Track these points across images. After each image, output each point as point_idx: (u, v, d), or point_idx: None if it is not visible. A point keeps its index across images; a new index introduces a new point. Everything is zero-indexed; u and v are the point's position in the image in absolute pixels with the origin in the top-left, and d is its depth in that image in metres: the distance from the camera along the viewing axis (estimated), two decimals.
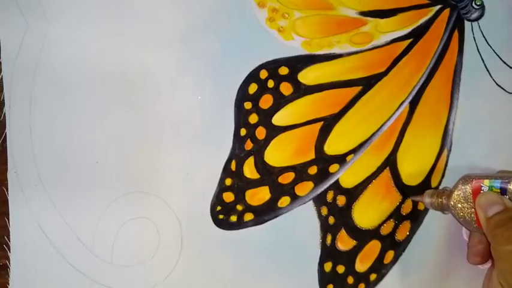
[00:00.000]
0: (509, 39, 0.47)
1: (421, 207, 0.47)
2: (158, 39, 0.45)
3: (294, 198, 0.46)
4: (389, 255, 0.46)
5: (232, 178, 0.46)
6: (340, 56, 0.47)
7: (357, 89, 0.47)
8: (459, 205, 0.41)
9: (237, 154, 0.46)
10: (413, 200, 0.46)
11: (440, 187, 0.47)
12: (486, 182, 0.40)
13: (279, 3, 0.46)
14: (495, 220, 0.38)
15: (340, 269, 0.46)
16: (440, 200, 0.42)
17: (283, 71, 0.46)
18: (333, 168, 0.46)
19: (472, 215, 0.40)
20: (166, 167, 0.45)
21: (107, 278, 0.44)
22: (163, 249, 0.45)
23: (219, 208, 0.45)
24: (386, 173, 0.47)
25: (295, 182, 0.46)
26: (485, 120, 0.47)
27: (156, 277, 0.45)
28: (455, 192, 0.41)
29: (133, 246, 0.45)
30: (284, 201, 0.46)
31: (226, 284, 0.45)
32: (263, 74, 0.46)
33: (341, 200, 0.46)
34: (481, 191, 0.40)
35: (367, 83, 0.47)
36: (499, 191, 0.39)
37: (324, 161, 0.46)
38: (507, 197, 0.39)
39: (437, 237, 0.46)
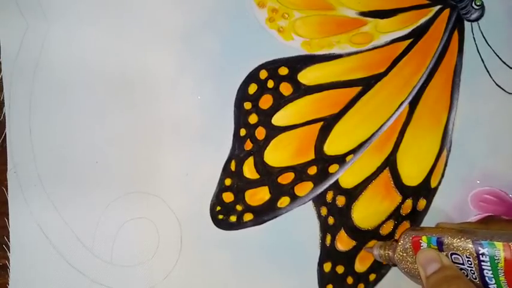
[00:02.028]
0: (509, 39, 0.47)
1: (420, 207, 0.47)
2: (158, 39, 0.45)
3: (294, 198, 0.46)
4: None
5: (232, 178, 0.46)
6: (340, 56, 0.47)
7: (356, 89, 0.47)
8: (403, 259, 0.41)
9: (237, 154, 0.46)
10: (366, 251, 0.46)
11: (440, 187, 0.47)
12: (424, 238, 0.40)
13: (279, 3, 0.46)
14: (433, 279, 0.38)
15: (340, 269, 0.46)
16: (387, 252, 0.42)
17: (283, 71, 0.46)
18: (333, 168, 0.46)
19: (417, 270, 0.40)
20: (166, 167, 0.45)
21: (107, 278, 0.44)
22: (163, 249, 0.45)
23: (218, 208, 0.45)
24: (386, 173, 0.47)
25: (294, 182, 0.46)
26: (485, 120, 0.47)
27: (155, 277, 0.45)
28: (398, 248, 0.41)
29: (133, 246, 0.45)
30: (284, 201, 0.46)
31: (226, 284, 0.45)
32: (263, 74, 0.46)
33: (341, 200, 0.46)
34: (421, 247, 0.40)
35: (367, 83, 0.47)
36: (436, 247, 0.39)
37: (323, 161, 0.46)
38: (444, 253, 0.39)
39: None
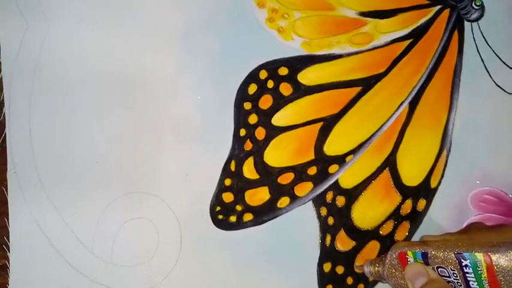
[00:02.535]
0: (509, 39, 0.47)
1: (420, 207, 0.47)
2: (158, 39, 0.45)
3: (294, 198, 0.46)
4: None
5: (232, 178, 0.46)
6: (340, 56, 0.47)
7: (356, 90, 0.47)
8: (392, 276, 0.41)
9: (237, 154, 0.46)
10: (357, 271, 0.46)
11: (440, 187, 0.47)
12: (409, 253, 0.40)
13: (279, 3, 0.46)
14: None
15: (340, 269, 0.46)
16: (377, 269, 0.42)
17: (283, 71, 0.46)
18: (333, 168, 0.46)
19: (406, 285, 0.40)
20: (165, 167, 0.45)
21: (107, 278, 0.44)
22: (163, 249, 0.45)
23: (218, 208, 0.45)
24: (386, 173, 0.47)
25: (294, 182, 0.46)
26: (485, 121, 0.47)
27: (155, 277, 0.45)
28: (387, 264, 0.41)
29: (132, 246, 0.45)
30: (283, 201, 0.46)
31: (226, 284, 0.45)
32: (263, 74, 0.46)
33: (340, 201, 0.46)
34: (408, 262, 0.40)
35: (367, 84, 0.47)
36: (422, 261, 0.40)
37: (323, 162, 0.46)
38: (431, 266, 0.39)
39: None
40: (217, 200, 0.46)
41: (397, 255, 0.41)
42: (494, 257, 0.36)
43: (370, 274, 0.43)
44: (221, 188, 0.46)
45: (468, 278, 0.37)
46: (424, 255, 0.39)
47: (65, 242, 0.44)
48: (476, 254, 0.37)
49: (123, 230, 0.44)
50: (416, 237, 0.47)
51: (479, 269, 0.37)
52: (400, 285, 0.41)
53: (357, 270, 0.46)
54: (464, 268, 0.37)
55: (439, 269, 0.39)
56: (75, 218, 0.44)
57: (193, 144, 0.46)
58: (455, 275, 0.38)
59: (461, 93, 0.47)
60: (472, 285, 0.37)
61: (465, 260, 0.37)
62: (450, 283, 0.38)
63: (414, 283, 0.39)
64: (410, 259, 0.40)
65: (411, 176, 0.47)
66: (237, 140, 0.46)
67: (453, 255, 0.38)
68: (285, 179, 0.46)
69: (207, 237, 0.45)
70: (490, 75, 0.47)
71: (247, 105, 0.46)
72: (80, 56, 0.45)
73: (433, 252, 0.39)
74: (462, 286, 0.38)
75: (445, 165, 0.47)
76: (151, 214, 0.45)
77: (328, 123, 0.46)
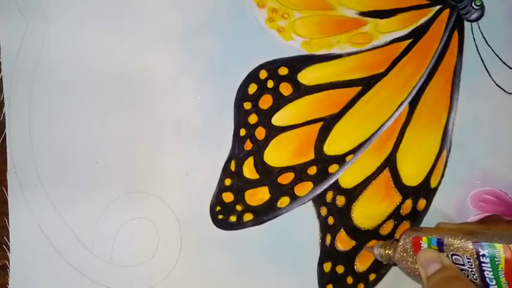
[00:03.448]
0: (509, 39, 0.47)
1: (420, 207, 0.47)
2: (158, 39, 0.45)
3: (294, 198, 0.46)
4: None
5: (232, 178, 0.46)
6: (339, 56, 0.47)
7: (356, 89, 0.47)
8: (404, 259, 0.41)
9: (237, 154, 0.46)
10: (366, 251, 0.46)
11: (440, 187, 0.47)
12: (424, 239, 0.40)
13: (279, 3, 0.46)
14: (433, 279, 0.38)
15: (340, 269, 0.46)
16: (387, 252, 0.42)
17: (283, 71, 0.46)
18: (333, 168, 0.46)
19: (417, 270, 0.40)
20: (165, 167, 0.45)
21: (107, 278, 0.44)
22: (163, 249, 0.45)
23: (218, 208, 0.45)
24: (386, 173, 0.47)
25: (294, 182, 0.46)
26: (485, 121, 0.47)
27: (155, 277, 0.45)
28: (399, 247, 0.41)
29: (132, 246, 0.45)
30: (283, 201, 0.46)
31: (226, 284, 0.45)
32: (263, 74, 0.46)
33: (340, 200, 0.46)
34: (421, 247, 0.40)
35: (367, 83, 0.47)
36: (437, 248, 0.39)
37: (323, 161, 0.46)
38: (445, 253, 0.39)
39: None
40: (217, 199, 0.46)
41: (411, 239, 0.41)
42: None
43: (379, 256, 0.43)
44: (221, 188, 0.46)
45: (484, 268, 0.37)
46: (439, 242, 0.39)
47: (65, 242, 0.44)
48: (496, 244, 0.37)
49: (123, 230, 0.44)
50: None
51: (497, 260, 0.37)
52: (410, 269, 0.41)
53: (366, 250, 0.46)
54: (481, 257, 0.37)
55: (453, 257, 0.39)
56: (75, 218, 0.44)
57: (193, 144, 0.46)
58: (470, 263, 0.38)
59: (461, 93, 0.47)
60: (486, 275, 0.37)
61: (483, 249, 0.37)
62: (463, 271, 0.38)
63: (427, 269, 0.39)
64: (424, 245, 0.40)
65: (411, 176, 0.47)
66: (237, 140, 0.46)
67: (471, 244, 0.38)
68: (285, 178, 0.46)
69: (207, 237, 0.45)
70: (490, 75, 0.47)
71: (247, 105, 0.46)
72: (80, 56, 0.45)
73: (450, 239, 0.39)
74: (476, 275, 0.38)
75: (445, 165, 0.47)
76: (152, 214, 0.45)
77: (328, 123, 0.46)
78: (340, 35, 0.47)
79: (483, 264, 0.37)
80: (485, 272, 0.37)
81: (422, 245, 0.40)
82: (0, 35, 0.44)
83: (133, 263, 0.45)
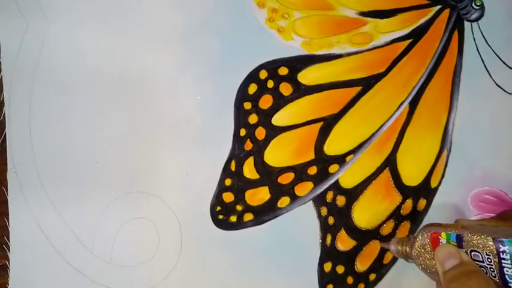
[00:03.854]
0: (509, 39, 0.47)
1: (420, 207, 0.47)
2: (158, 39, 0.45)
3: (294, 198, 0.46)
4: (389, 255, 0.46)
5: (232, 178, 0.46)
6: (339, 56, 0.47)
7: (356, 89, 0.47)
8: (421, 255, 0.41)
9: (237, 154, 0.46)
10: (382, 247, 0.46)
11: (440, 187, 0.47)
12: (443, 234, 0.40)
13: (279, 3, 0.46)
14: (450, 274, 0.38)
15: (340, 269, 0.46)
16: (404, 248, 0.42)
17: (283, 71, 0.46)
18: (333, 168, 0.46)
19: (434, 266, 0.40)
20: (166, 167, 0.45)
21: (107, 278, 0.44)
22: (163, 250, 0.45)
23: (218, 208, 0.45)
24: (386, 173, 0.47)
25: (294, 182, 0.46)
26: (485, 121, 0.47)
27: (155, 277, 0.45)
28: (416, 243, 0.41)
29: (132, 246, 0.45)
30: (284, 201, 0.46)
31: (226, 284, 0.45)
32: (263, 74, 0.46)
33: (341, 200, 0.46)
34: (440, 243, 0.40)
35: (367, 83, 0.47)
36: (455, 244, 0.39)
37: (323, 161, 0.46)
38: (464, 250, 0.39)
39: None
40: (217, 200, 0.46)
41: (430, 235, 0.40)
42: None
43: (396, 252, 0.43)
44: (221, 188, 0.46)
45: (503, 265, 0.37)
46: (459, 238, 0.39)
47: (65, 242, 0.44)
48: None
49: (123, 230, 0.44)
50: None
51: None
52: (427, 266, 0.40)
53: (382, 245, 0.45)
54: (501, 254, 0.37)
55: (472, 253, 0.38)
56: (75, 218, 0.44)
57: (194, 144, 0.46)
58: (489, 260, 0.37)
59: (462, 93, 0.47)
60: (506, 272, 0.37)
61: (504, 246, 0.37)
62: (482, 268, 0.38)
63: (444, 264, 0.38)
64: (443, 240, 0.40)
65: (411, 176, 0.47)
66: (237, 140, 0.46)
67: (491, 240, 0.37)
68: (285, 178, 0.46)
69: (207, 237, 0.45)
70: (490, 75, 0.47)
71: (247, 105, 0.46)
72: (80, 56, 0.45)
73: (469, 235, 0.38)
74: (495, 272, 0.37)
75: (446, 165, 0.47)
76: (152, 214, 0.45)
77: (328, 123, 0.46)
78: (340, 35, 0.47)
79: (503, 261, 0.37)
80: (505, 269, 0.37)
81: (441, 241, 0.40)
82: (0, 35, 0.44)
83: (134, 263, 0.44)
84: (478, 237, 0.38)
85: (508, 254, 0.37)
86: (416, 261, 0.41)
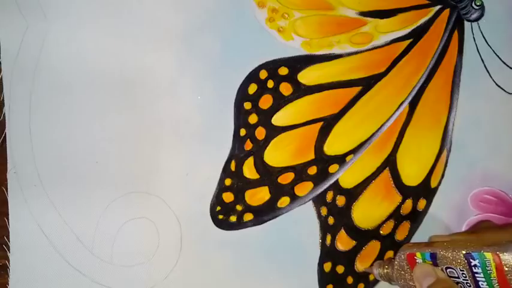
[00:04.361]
0: (509, 39, 0.48)
1: (420, 207, 0.47)
2: (158, 39, 0.45)
3: (294, 198, 0.46)
4: (389, 255, 0.47)
5: (232, 178, 0.46)
6: (340, 56, 0.47)
7: (356, 89, 0.47)
8: (401, 276, 0.42)
9: (237, 154, 0.46)
10: (365, 271, 0.46)
11: (440, 187, 0.47)
12: (418, 254, 0.40)
13: (279, 3, 0.46)
14: None
15: (340, 269, 0.46)
16: (386, 271, 0.43)
17: (283, 71, 0.46)
18: (333, 168, 0.46)
19: (414, 286, 0.40)
20: (166, 167, 0.45)
21: (107, 278, 0.44)
22: (163, 250, 0.45)
23: (218, 208, 0.45)
24: (386, 173, 0.47)
25: (294, 182, 0.46)
26: (485, 120, 0.47)
27: (155, 277, 0.45)
28: (395, 265, 0.42)
29: (133, 246, 0.45)
30: (284, 201, 0.46)
31: (226, 284, 0.45)
32: (263, 74, 0.46)
33: (341, 200, 0.46)
34: (416, 263, 0.40)
35: (367, 83, 0.47)
36: (431, 262, 0.40)
37: (323, 161, 0.46)
38: (439, 267, 0.39)
39: None
40: (217, 199, 0.46)
41: (406, 256, 0.41)
42: (503, 257, 0.36)
43: (379, 276, 0.44)
44: (221, 188, 0.46)
45: (477, 278, 0.37)
46: (433, 256, 0.39)
47: (65, 242, 0.44)
48: (485, 253, 0.36)
49: (123, 230, 0.44)
50: (416, 237, 0.47)
51: (489, 268, 0.36)
52: (409, 286, 0.41)
53: (364, 270, 0.46)
54: (473, 268, 0.37)
55: (448, 270, 0.39)
56: (75, 218, 0.44)
57: (194, 144, 0.45)
58: (464, 275, 0.38)
59: (461, 93, 0.47)
60: (481, 286, 0.37)
61: (474, 260, 0.37)
62: (459, 284, 0.38)
63: (422, 283, 0.39)
64: (419, 260, 0.40)
65: (411, 176, 0.47)
66: (237, 140, 0.46)
67: (462, 255, 0.38)
68: (285, 178, 0.46)
69: (207, 237, 0.45)
70: (490, 75, 0.47)
71: (247, 105, 0.46)
72: (80, 56, 0.45)
73: (442, 253, 0.39)
74: (471, 286, 0.38)
75: (445, 165, 0.47)
76: (152, 214, 0.45)
77: (328, 123, 0.46)
78: (340, 35, 0.47)
79: (476, 275, 0.37)
80: (480, 282, 0.37)
81: (417, 261, 0.40)
82: (0, 35, 0.44)
83: (134, 263, 0.44)
84: (450, 254, 0.38)
85: (480, 268, 0.37)
86: (398, 282, 0.42)
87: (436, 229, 0.47)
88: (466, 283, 0.38)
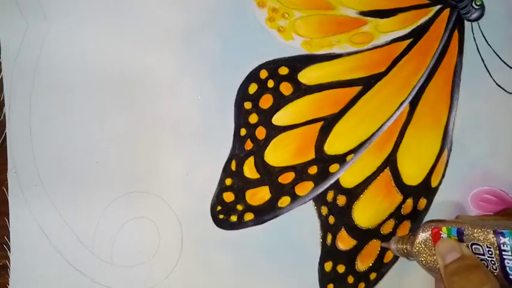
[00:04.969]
0: (509, 39, 0.48)
1: (421, 207, 0.47)
2: (158, 39, 0.45)
3: (294, 198, 0.46)
4: (390, 254, 0.46)
5: (233, 178, 0.46)
6: (340, 56, 0.47)
7: (356, 89, 0.47)
8: (422, 252, 0.41)
9: (237, 154, 0.46)
10: (383, 247, 0.45)
11: (441, 187, 0.47)
12: (444, 229, 0.40)
13: (279, 3, 0.46)
14: (452, 268, 0.38)
15: (341, 268, 0.46)
16: (405, 246, 0.42)
17: (283, 70, 0.46)
18: (333, 168, 0.46)
19: (435, 262, 0.40)
20: (166, 167, 0.45)
21: (107, 278, 0.44)
22: (164, 249, 0.45)
23: (219, 208, 0.45)
24: (387, 172, 0.47)
25: (295, 181, 0.46)
26: (486, 120, 0.47)
27: (156, 277, 0.45)
28: (417, 239, 0.41)
29: (133, 246, 0.44)
30: (284, 201, 0.46)
31: (226, 284, 0.45)
32: (263, 74, 0.46)
33: (341, 200, 0.46)
34: (441, 238, 0.40)
35: (367, 83, 0.47)
36: (456, 238, 0.39)
37: (324, 161, 0.46)
38: (465, 243, 0.39)
39: None
40: (218, 199, 0.45)
41: (431, 230, 0.40)
42: None
43: (397, 251, 0.43)
44: (222, 188, 0.46)
45: (504, 257, 0.37)
46: (460, 232, 0.39)
47: (65, 242, 0.44)
48: None
49: (124, 229, 0.44)
50: None
51: None
52: (427, 262, 0.40)
53: (382, 245, 0.45)
54: (501, 246, 0.37)
55: (473, 246, 0.38)
56: (75, 218, 0.44)
57: (194, 144, 0.45)
58: (490, 253, 0.37)
59: (462, 93, 0.47)
60: (507, 264, 0.37)
61: (504, 237, 0.37)
62: (483, 261, 0.38)
63: (445, 258, 0.38)
64: (444, 235, 0.40)
65: (412, 176, 0.47)
66: (238, 140, 0.46)
67: (492, 233, 0.37)
68: (286, 178, 0.46)
69: (207, 236, 0.45)
70: (490, 74, 0.47)
71: (248, 105, 0.46)
72: (80, 56, 0.45)
73: (470, 229, 0.38)
74: (496, 265, 0.37)
75: (446, 165, 0.47)
76: (152, 214, 0.45)
77: (328, 123, 0.46)
78: (340, 35, 0.47)
79: (504, 253, 0.37)
80: (506, 261, 0.37)
81: (442, 235, 0.40)
82: (0, 35, 0.44)
83: (134, 263, 0.44)
84: (479, 231, 0.38)
85: (509, 246, 0.37)
86: (417, 258, 0.41)
87: None
88: (491, 261, 0.38)
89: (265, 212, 0.46)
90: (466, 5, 0.47)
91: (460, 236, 0.39)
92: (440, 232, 0.40)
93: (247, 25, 0.46)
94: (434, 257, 0.40)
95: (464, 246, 0.39)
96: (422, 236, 0.41)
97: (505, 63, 0.47)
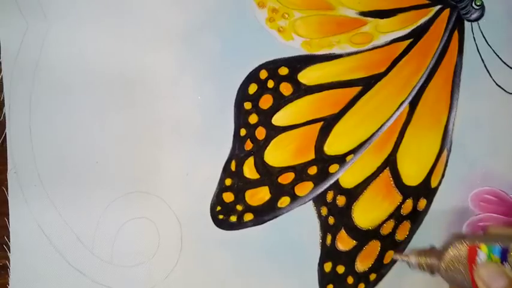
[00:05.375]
0: (509, 39, 0.47)
1: (421, 207, 0.47)
2: (158, 39, 0.45)
3: (294, 198, 0.46)
4: (389, 255, 0.47)
5: (232, 178, 0.46)
6: (340, 56, 0.47)
7: (356, 89, 0.47)
8: (452, 269, 0.38)
9: (237, 154, 0.46)
10: (397, 259, 0.42)
11: (441, 187, 0.47)
12: (483, 247, 0.37)
13: (279, 3, 0.46)
14: None
15: (340, 269, 0.46)
16: (429, 260, 0.39)
17: (283, 71, 0.46)
18: (333, 168, 0.46)
19: (467, 281, 0.37)
20: (166, 167, 0.45)
21: (107, 278, 0.44)
22: (163, 249, 0.45)
23: (219, 208, 0.45)
24: (387, 173, 0.47)
25: (295, 182, 0.46)
26: (485, 120, 0.47)
27: (156, 277, 0.45)
28: (448, 255, 0.38)
29: (133, 246, 0.45)
30: (284, 201, 0.46)
31: (226, 284, 0.45)
32: (263, 74, 0.46)
33: (341, 200, 0.46)
34: (478, 258, 0.37)
35: (367, 83, 0.47)
36: (499, 258, 0.36)
37: (323, 161, 0.46)
38: (507, 265, 0.36)
39: (436, 238, 0.46)
40: (217, 199, 0.45)
41: (468, 247, 0.37)
42: None
43: (418, 265, 0.40)
44: (221, 188, 0.46)
45: None
46: (503, 252, 0.36)
47: (65, 242, 0.44)
48: None
49: (124, 229, 0.44)
50: (416, 237, 0.47)
51: None
52: (457, 280, 0.38)
53: (397, 257, 0.42)
54: None
55: None
56: (75, 218, 0.44)
57: (194, 144, 0.45)
58: None
59: (462, 93, 0.47)
60: None
61: None
62: None
63: (491, 284, 0.36)
64: (482, 254, 0.36)
65: (412, 176, 0.47)
66: (238, 140, 0.46)
67: None
68: (286, 178, 0.46)
69: (207, 237, 0.45)
70: (490, 75, 0.47)
71: (248, 105, 0.46)
72: (80, 56, 0.45)
73: None
74: None
75: (446, 165, 0.47)
76: (152, 214, 0.45)
77: (328, 123, 0.46)
78: (340, 35, 0.47)
79: None
80: None
81: (479, 254, 0.37)
82: (0, 35, 0.44)
83: (134, 263, 0.44)
84: None
85: None
86: (445, 274, 0.38)
87: (436, 229, 0.47)
88: None
89: (265, 212, 0.46)
90: (466, 5, 0.47)
91: (504, 256, 0.36)
92: (477, 249, 0.37)
93: (247, 25, 0.46)
94: (469, 276, 0.37)
95: (510, 270, 0.36)
96: (456, 252, 0.38)
97: (505, 63, 0.47)
